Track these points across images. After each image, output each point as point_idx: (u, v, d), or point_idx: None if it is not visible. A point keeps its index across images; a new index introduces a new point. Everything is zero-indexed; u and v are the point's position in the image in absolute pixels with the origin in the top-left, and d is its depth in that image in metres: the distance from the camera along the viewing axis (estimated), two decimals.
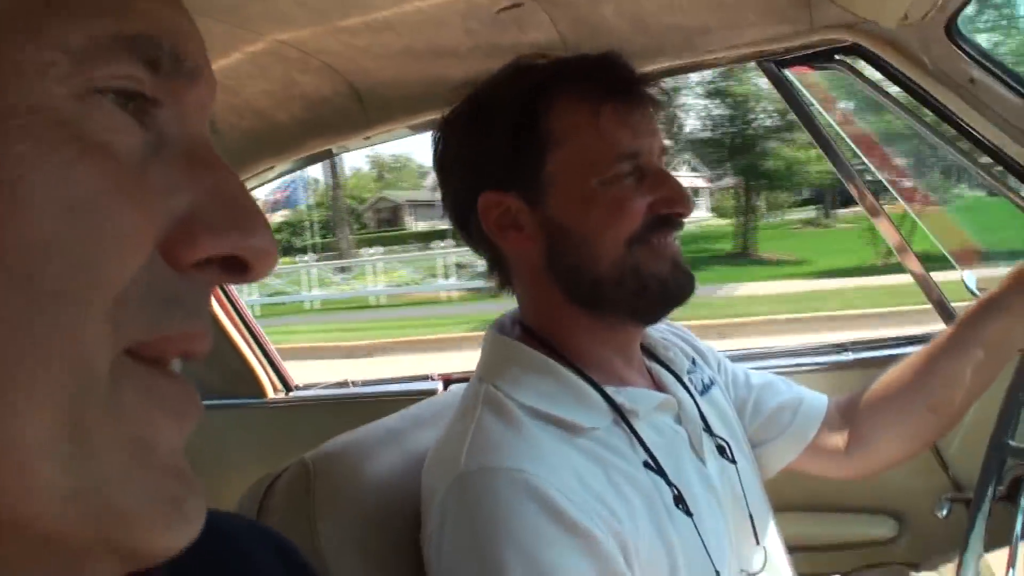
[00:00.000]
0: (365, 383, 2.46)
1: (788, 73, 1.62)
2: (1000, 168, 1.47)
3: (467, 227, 1.19)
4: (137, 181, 0.40)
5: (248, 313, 2.52)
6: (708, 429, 1.19)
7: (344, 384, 2.49)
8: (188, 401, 0.43)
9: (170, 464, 0.41)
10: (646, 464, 1.06)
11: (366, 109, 1.74)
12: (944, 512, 1.35)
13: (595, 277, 1.10)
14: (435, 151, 1.21)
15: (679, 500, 1.05)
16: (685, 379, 1.23)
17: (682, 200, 1.11)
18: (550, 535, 0.92)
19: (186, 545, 0.41)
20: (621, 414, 1.08)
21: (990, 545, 1.07)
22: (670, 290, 1.12)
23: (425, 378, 2.30)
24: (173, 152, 0.42)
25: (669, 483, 1.05)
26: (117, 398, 0.39)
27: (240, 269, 0.44)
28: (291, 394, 2.53)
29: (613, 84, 1.12)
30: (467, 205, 1.14)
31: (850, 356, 1.75)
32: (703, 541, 1.05)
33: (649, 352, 1.26)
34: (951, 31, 1.40)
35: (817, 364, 1.77)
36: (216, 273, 0.43)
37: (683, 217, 1.13)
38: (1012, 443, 1.10)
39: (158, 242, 0.41)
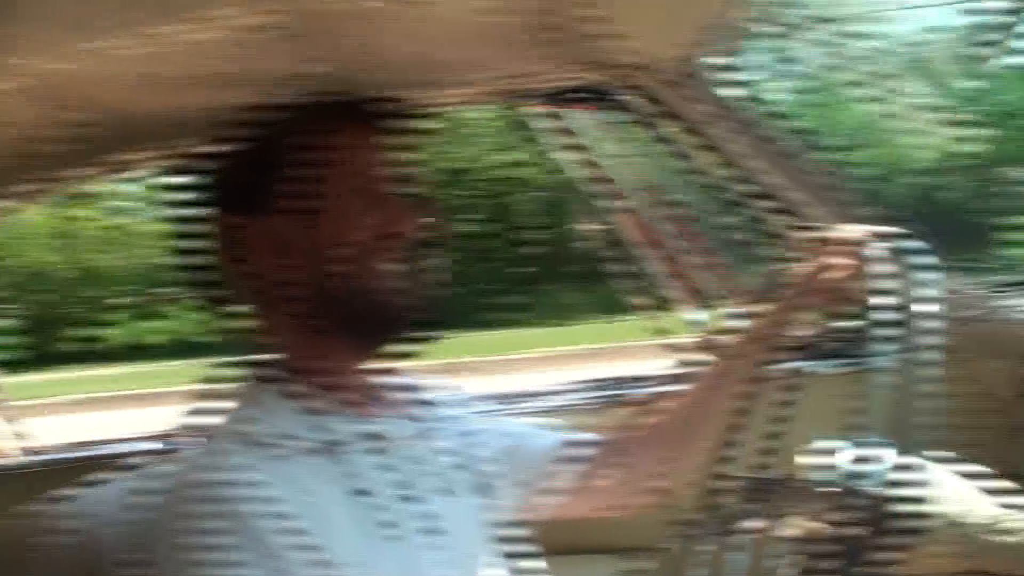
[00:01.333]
0: (62, 448, 2.20)
1: (563, 112, 1.65)
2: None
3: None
4: None
5: None
6: (429, 468, 1.17)
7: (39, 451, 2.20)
8: None
9: None
10: (358, 491, 1.03)
11: (128, 140, 1.67)
12: (670, 547, 1.36)
13: (321, 293, 1.09)
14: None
15: (391, 525, 1.03)
16: (409, 421, 1.21)
17: (405, 220, 1.12)
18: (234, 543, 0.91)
19: None
20: (335, 439, 1.05)
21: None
22: (389, 315, 1.12)
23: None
24: None
25: (382, 508, 1.03)
26: None
27: None
28: None
29: (346, 110, 1.15)
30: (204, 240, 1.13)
31: (605, 394, 1.76)
32: (419, 564, 1.04)
33: (376, 393, 1.23)
34: (698, 76, 1.51)
35: (573, 404, 1.76)
36: None
37: (406, 236, 1.12)
38: (729, 475, 1.15)
39: None
